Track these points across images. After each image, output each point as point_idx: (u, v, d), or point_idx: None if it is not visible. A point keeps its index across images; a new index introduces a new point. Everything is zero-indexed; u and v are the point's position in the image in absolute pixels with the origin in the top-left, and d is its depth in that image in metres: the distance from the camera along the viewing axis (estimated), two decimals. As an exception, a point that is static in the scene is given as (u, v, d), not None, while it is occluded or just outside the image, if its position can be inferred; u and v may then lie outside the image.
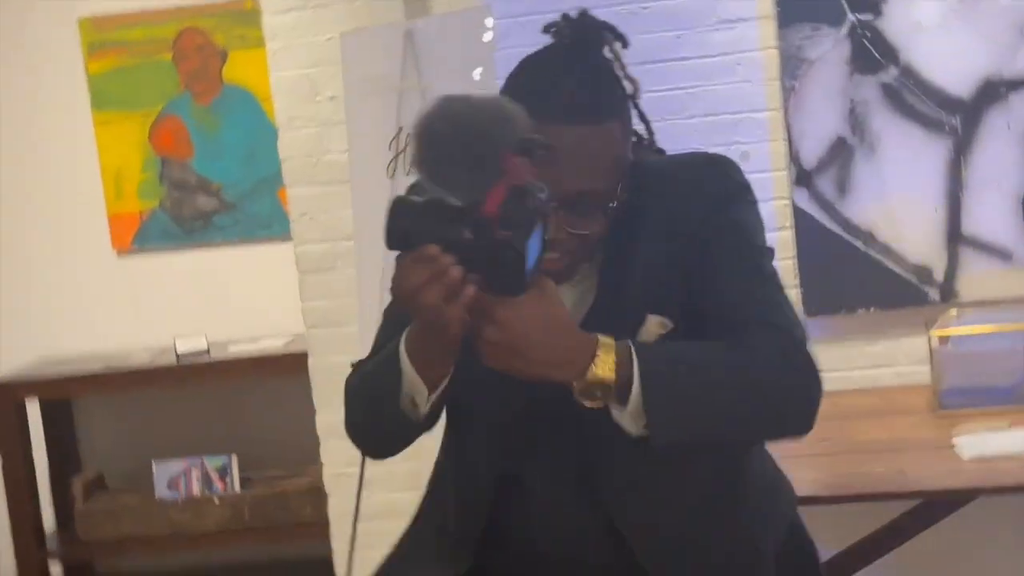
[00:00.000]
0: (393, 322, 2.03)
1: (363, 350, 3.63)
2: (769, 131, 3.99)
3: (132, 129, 5.29)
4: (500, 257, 1.63)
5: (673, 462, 1.94)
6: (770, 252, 2.00)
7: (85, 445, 5.46)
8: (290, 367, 4.48)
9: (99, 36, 5.24)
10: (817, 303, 4.00)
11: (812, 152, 3.98)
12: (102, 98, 5.28)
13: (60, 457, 5.30)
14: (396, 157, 3.65)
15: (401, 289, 1.65)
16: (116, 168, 5.30)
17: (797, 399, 1.86)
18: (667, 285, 1.93)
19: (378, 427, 1.99)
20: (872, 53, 3.89)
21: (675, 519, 2.02)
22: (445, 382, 1.83)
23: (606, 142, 1.89)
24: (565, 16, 1.95)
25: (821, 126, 3.97)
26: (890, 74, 3.89)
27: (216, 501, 5.07)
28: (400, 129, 3.61)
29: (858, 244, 3.97)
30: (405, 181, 3.52)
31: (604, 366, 1.74)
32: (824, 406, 1.87)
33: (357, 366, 2.07)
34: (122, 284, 5.35)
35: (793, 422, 1.88)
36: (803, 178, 3.99)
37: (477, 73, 3.54)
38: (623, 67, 1.99)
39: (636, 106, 2.00)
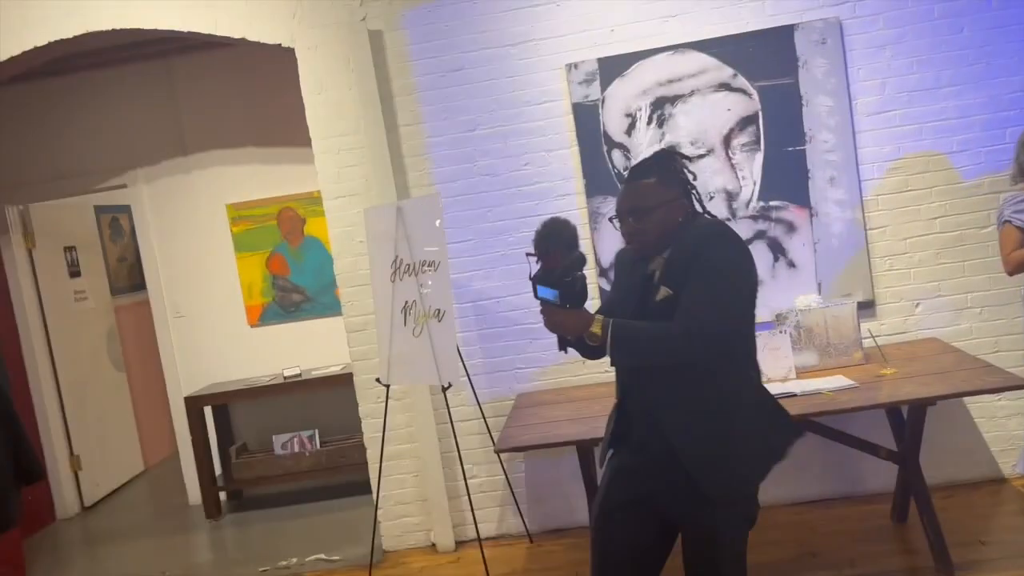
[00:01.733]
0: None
1: (381, 375, 3.71)
2: (585, 250, 3.95)
3: (257, 262, 5.41)
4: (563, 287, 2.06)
5: (687, 387, 2.08)
6: (725, 277, 2.05)
7: (237, 428, 5.50)
8: (344, 381, 4.55)
9: (237, 212, 5.38)
10: None
11: (606, 259, 3.97)
12: (240, 245, 5.40)
13: (223, 436, 5.36)
14: (394, 272, 3.68)
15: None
16: (248, 282, 5.43)
17: (679, 352, 2.03)
18: (678, 279, 2.08)
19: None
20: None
21: (689, 418, 2.08)
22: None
23: (647, 189, 2.17)
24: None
25: (609, 246, 3.96)
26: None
27: (307, 454, 5.14)
28: (396, 257, 3.65)
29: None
30: (401, 284, 3.65)
31: (596, 326, 2.05)
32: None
33: None
34: (254, 342, 5.43)
35: (678, 358, 2.04)
36: (603, 272, 3.99)
37: (423, 236, 3.58)
38: (683, 169, 2.22)
39: (690, 190, 2.21)
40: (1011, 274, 3.29)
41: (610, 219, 2.29)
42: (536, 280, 2.11)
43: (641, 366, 2.11)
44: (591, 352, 2.19)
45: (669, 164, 2.21)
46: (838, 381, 3.26)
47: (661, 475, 2.10)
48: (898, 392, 3.13)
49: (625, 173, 3.87)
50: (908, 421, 3.33)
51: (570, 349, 2.21)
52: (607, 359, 2.14)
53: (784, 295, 3.85)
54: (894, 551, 3.43)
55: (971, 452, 3.92)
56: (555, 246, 2.11)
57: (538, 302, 2.10)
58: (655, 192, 2.15)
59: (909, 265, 3.90)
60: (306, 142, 4.15)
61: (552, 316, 2.10)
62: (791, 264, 3.91)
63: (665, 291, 2.08)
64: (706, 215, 2.22)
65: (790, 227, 3.91)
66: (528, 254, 2.14)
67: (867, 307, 3.87)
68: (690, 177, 2.23)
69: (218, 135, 5.30)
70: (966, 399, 3.87)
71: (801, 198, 3.90)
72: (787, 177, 3.90)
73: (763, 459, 2.11)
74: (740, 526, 2.10)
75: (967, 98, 3.80)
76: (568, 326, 2.08)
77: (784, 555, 3.43)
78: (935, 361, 3.44)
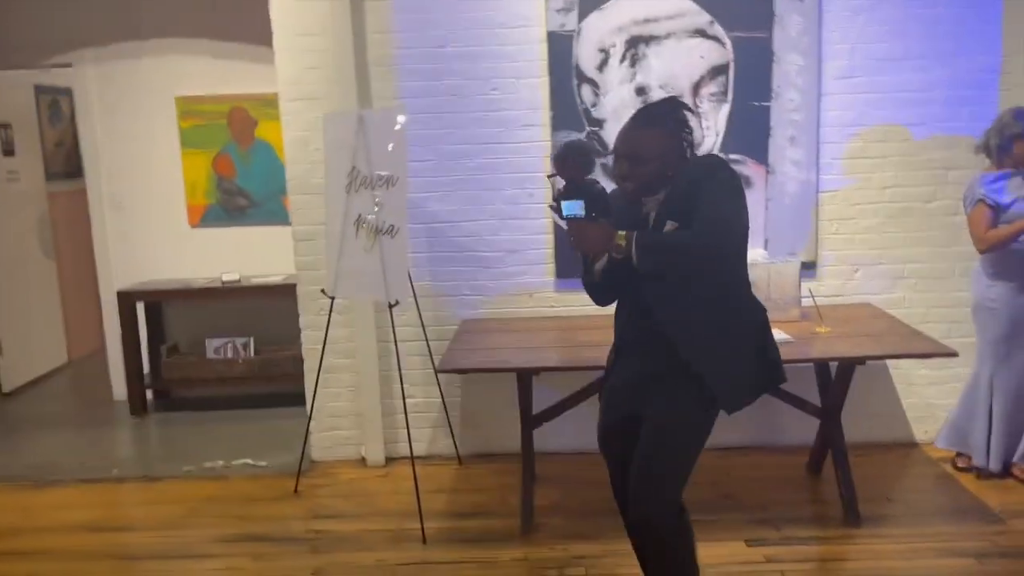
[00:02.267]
0: None
1: (328, 287, 3.69)
2: (544, 184, 3.95)
3: (203, 160, 5.24)
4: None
5: (682, 287, 2.19)
6: (740, 197, 2.16)
7: (169, 328, 5.41)
8: (288, 291, 4.48)
9: (187, 107, 5.19)
10: (567, 271, 4.03)
11: None
12: (187, 141, 5.22)
13: (154, 334, 5.27)
14: (350, 183, 3.59)
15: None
16: (193, 180, 5.27)
17: (701, 249, 2.10)
18: (682, 209, 2.14)
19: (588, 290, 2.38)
20: (597, 148, 3.91)
21: (685, 321, 2.21)
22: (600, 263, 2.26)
23: (651, 138, 2.20)
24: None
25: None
26: (604, 158, 3.88)
27: (240, 361, 5.10)
28: (353, 167, 3.55)
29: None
30: (356, 196, 3.59)
31: (621, 238, 2.12)
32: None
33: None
34: (193, 243, 5.30)
35: (697, 252, 2.11)
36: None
37: (390, 146, 3.47)
38: (687, 120, 2.26)
39: (690, 139, 2.26)
40: (984, 252, 3.42)
41: (548, 176, 2.41)
42: (560, 196, 2.14)
43: (664, 273, 2.18)
44: (611, 280, 2.27)
45: (677, 115, 2.25)
46: (774, 335, 3.33)
47: (647, 390, 2.27)
48: (830, 350, 3.25)
49: (592, 110, 3.87)
50: (836, 379, 3.46)
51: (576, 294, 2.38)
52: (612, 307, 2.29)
53: (733, 248, 3.92)
54: (806, 500, 3.60)
55: (889, 415, 4.11)
56: (575, 158, 2.18)
57: (551, 227, 2.23)
58: (658, 142, 2.19)
59: (855, 231, 4.01)
60: (266, 40, 4.00)
61: (581, 232, 2.13)
62: (743, 218, 3.98)
63: (672, 224, 2.14)
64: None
65: (746, 182, 3.92)
66: (550, 175, 2.22)
67: (809, 267, 3.96)
68: (692, 128, 2.28)
69: (175, 23, 5.05)
70: (890, 366, 4.05)
71: (760, 155, 3.94)
72: (749, 132, 3.93)
73: (759, 380, 2.31)
74: (704, 428, 2.30)
75: (932, 72, 3.87)
76: (596, 240, 2.13)
77: (700, 496, 3.52)
78: (868, 324, 3.57)
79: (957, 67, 3.86)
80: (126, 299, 5.00)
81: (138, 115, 5.17)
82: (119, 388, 5.27)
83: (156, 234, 5.27)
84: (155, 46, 5.09)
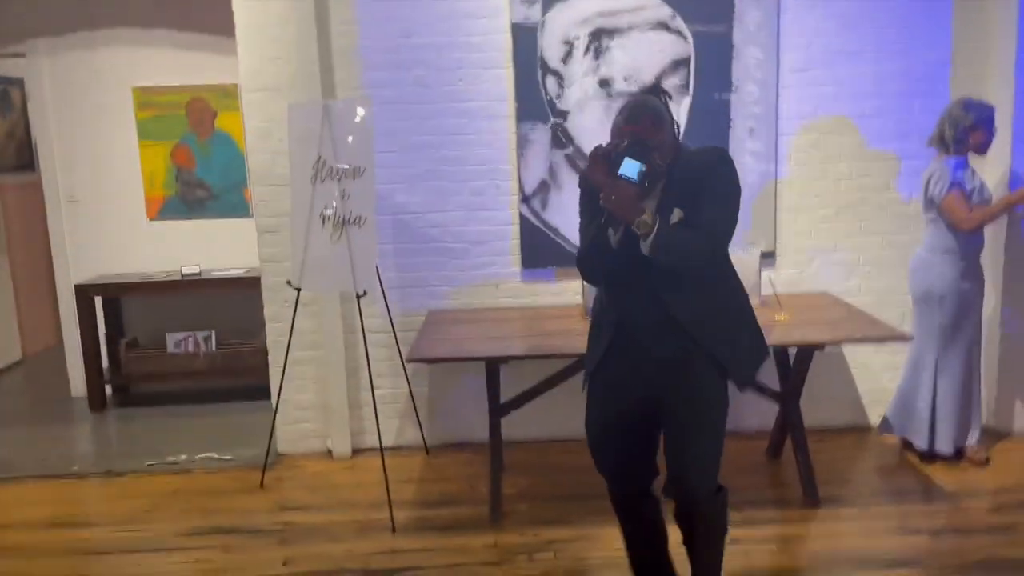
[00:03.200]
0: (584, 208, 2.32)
1: (293, 278, 3.67)
2: (510, 175, 4.03)
3: (161, 151, 5.16)
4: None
5: (691, 279, 2.22)
6: (736, 194, 2.22)
7: (128, 323, 5.32)
8: (250, 284, 4.46)
9: (144, 98, 5.11)
10: (533, 261, 4.07)
11: (530, 186, 4.03)
12: (144, 132, 5.14)
13: (113, 329, 5.18)
14: (316, 174, 3.56)
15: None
16: (151, 172, 5.19)
17: (703, 257, 2.17)
18: (686, 199, 2.16)
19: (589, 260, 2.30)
20: (561, 138, 4.00)
21: (693, 303, 2.23)
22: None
23: (659, 105, 2.24)
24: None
25: (535, 174, 4.01)
26: (568, 150, 4.01)
27: (201, 355, 5.05)
28: (319, 157, 3.52)
29: (550, 233, 4.03)
30: (321, 187, 3.56)
31: (648, 215, 2.10)
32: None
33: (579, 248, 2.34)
34: (152, 236, 5.22)
35: (697, 258, 2.17)
36: (525, 199, 4.04)
37: (350, 139, 3.48)
38: (668, 105, 2.29)
39: (676, 124, 2.29)
40: (971, 230, 3.54)
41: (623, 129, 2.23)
42: (626, 151, 2.10)
43: (666, 264, 2.20)
44: (616, 259, 2.26)
45: (664, 98, 2.31)
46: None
47: (668, 373, 2.27)
48: (789, 336, 3.33)
49: (557, 101, 3.91)
50: (794, 364, 3.55)
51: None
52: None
53: (695, 237, 3.99)
54: (767, 483, 3.69)
55: (845, 400, 4.23)
56: (651, 117, 2.17)
57: (599, 183, 2.12)
58: (665, 110, 2.25)
59: (811, 221, 4.11)
60: (225, 31, 3.96)
61: (624, 191, 2.09)
62: (704, 208, 4.03)
63: (679, 213, 2.16)
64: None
65: (707, 173, 4.02)
66: (614, 136, 2.19)
67: (768, 256, 4.05)
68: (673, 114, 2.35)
69: (130, 12, 4.96)
70: (847, 352, 4.16)
71: (721, 146, 4.00)
72: (710, 124, 4.00)
73: (760, 354, 2.38)
74: (727, 405, 2.34)
75: (885, 65, 3.98)
76: (632, 207, 2.11)
77: (660, 480, 3.61)
78: (826, 312, 3.67)
79: (909, 61, 3.97)
80: (84, 293, 4.91)
81: (93, 106, 5.06)
82: (77, 384, 5.18)
83: (113, 227, 5.17)
84: (111, 36, 5.00)
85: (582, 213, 2.34)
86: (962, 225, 3.52)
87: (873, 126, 4.02)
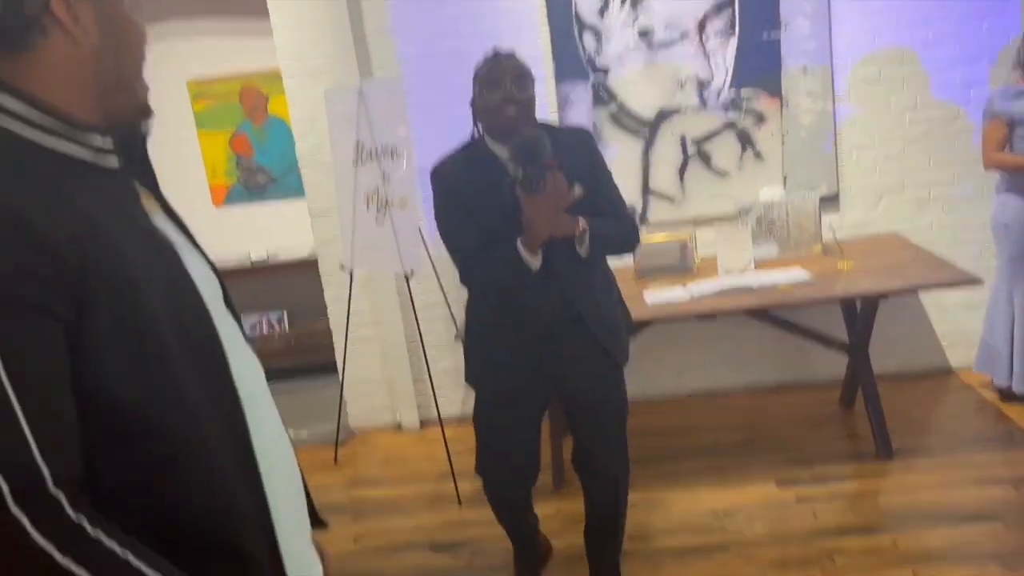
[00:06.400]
0: (454, 212, 2.21)
1: (344, 260, 3.67)
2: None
3: (220, 140, 5.25)
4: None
5: (587, 271, 2.20)
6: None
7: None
8: (309, 266, 4.53)
9: (198, 89, 5.20)
10: None
11: None
12: (202, 122, 5.23)
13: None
14: (356, 157, 3.57)
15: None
16: (212, 161, 5.28)
17: (630, 242, 2.25)
18: (582, 174, 2.12)
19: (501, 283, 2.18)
20: (603, 96, 3.89)
21: (590, 295, 2.22)
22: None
23: (525, 65, 2.18)
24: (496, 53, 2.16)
25: None
26: (611, 108, 3.90)
27: (276, 336, 5.17)
28: (358, 141, 3.53)
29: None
30: (363, 169, 3.57)
31: (583, 222, 2.10)
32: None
33: (470, 263, 2.18)
34: (218, 222, 5.34)
35: (628, 248, 2.27)
36: None
37: (385, 121, 3.46)
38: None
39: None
40: (988, 169, 3.38)
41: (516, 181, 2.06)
42: (523, 170, 2.00)
43: (599, 255, 2.23)
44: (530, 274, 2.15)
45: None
46: (795, 274, 3.28)
47: (564, 350, 2.25)
48: (852, 287, 3.18)
49: (596, 58, 3.79)
50: (860, 314, 3.40)
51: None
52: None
53: (749, 187, 3.85)
54: (839, 436, 3.57)
55: (922, 344, 4.03)
56: (511, 78, 2.11)
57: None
58: (529, 71, 2.17)
59: (876, 159, 3.89)
60: (265, 12, 3.96)
61: (547, 211, 2.00)
62: (758, 155, 3.88)
63: (579, 189, 2.07)
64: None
65: (759, 117, 3.85)
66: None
67: (831, 200, 3.87)
68: None
69: (177, 3, 5.03)
70: (921, 294, 3.96)
71: (773, 88, 3.83)
72: (760, 65, 3.81)
73: (628, 330, 2.39)
74: (623, 388, 2.34)
75: (947, -13, 3.70)
76: (567, 223, 2.05)
77: (736, 437, 3.56)
78: (892, 256, 3.49)
79: (974, -23, 3.68)
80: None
81: (154, 102, 5.16)
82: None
83: (185, 216, 5.28)
84: (163, 30, 5.08)
85: (459, 226, 2.20)
86: (983, 161, 3.32)
87: (937, 53, 3.75)
